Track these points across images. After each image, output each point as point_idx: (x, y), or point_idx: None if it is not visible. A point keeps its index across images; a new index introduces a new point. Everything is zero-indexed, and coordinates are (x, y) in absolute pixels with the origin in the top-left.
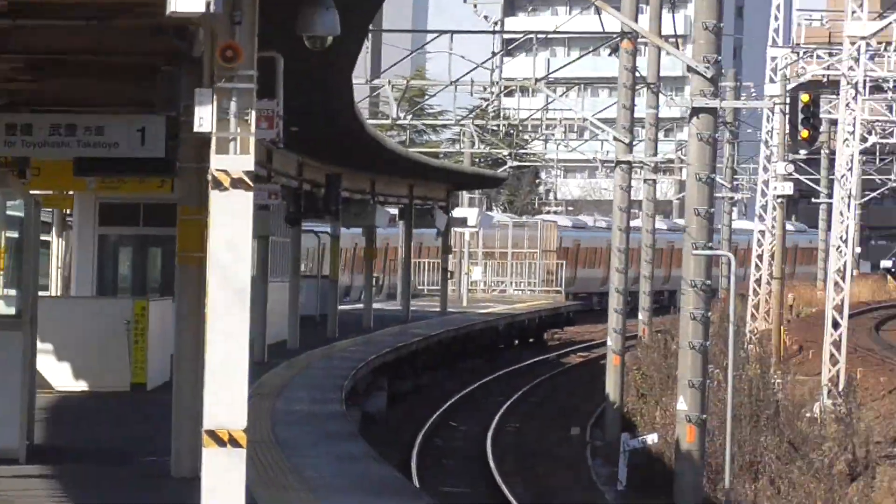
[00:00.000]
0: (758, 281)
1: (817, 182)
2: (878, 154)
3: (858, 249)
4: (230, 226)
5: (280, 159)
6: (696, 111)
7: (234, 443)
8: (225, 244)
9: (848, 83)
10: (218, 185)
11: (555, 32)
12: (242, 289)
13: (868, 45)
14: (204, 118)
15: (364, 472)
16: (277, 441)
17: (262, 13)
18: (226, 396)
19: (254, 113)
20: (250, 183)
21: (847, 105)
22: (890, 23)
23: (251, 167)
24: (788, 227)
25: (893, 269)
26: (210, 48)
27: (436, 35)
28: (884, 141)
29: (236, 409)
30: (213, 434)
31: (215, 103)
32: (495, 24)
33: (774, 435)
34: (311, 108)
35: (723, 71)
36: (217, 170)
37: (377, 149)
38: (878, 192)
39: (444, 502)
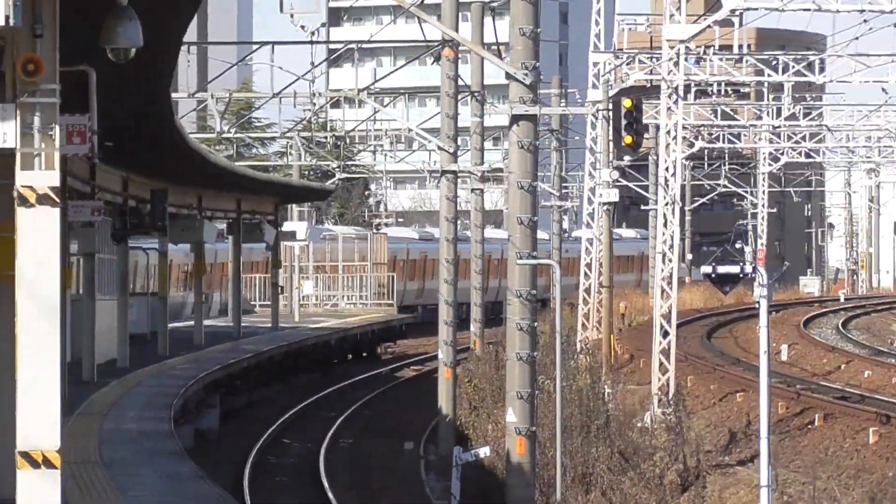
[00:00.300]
0: (587, 290)
1: (647, 188)
2: (706, 159)
3: (690, 256)
4: (37, 242)
5: (104, 175)
6: (515, 118)
7: (48, 464)
8: (33, 261)
9: (668, 87)
10: (24, 201)
11: (373, 42)
12: (52, 306)
13: (688, 48)
14: (7, 134)
15: (190, 490)
16: (103, 461)
17: (65, 26)
18: (38, 416)
19: (58, 128)
20: (56, 199)
21: (668, 109)
22: (708, 26)
23: (57, 182)
24: (630, 233)
25: (713, 276)
26: (11, 62)
27: (258, 46)
28: (710, 146)
29: (49, 429)
30: (26, 455)
31: (18, 118)
32: (312, 34)
33: (605, 446)
34: (131, 123)
35: (543, 77)
36: (22, 186)
37: (202, 163)
38: (707, 197)
39: None
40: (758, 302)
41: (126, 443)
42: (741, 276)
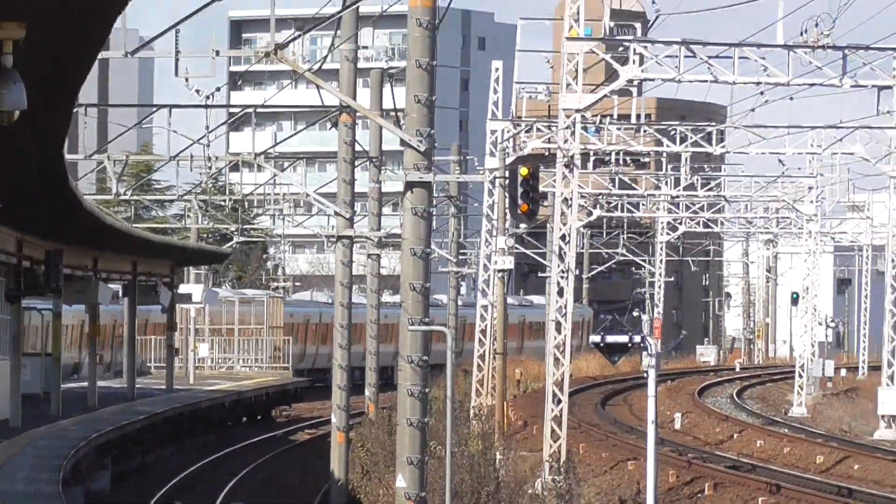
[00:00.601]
0: (482, 356)
1: (545, 255)
2: (604, 227)
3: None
4: None
5: None
6: (410, 185)
7: None
8: None
9: (564, 156)
10: None
11: (270, 107)
12: None
13: (584, 117)
14: None
15: None
16: None
17: None
18: None
19: None
20: None
21: (564, 178)
22: (605, 95)
23: None
24: (542, 300)
25: (602, 344)
26: None
27: (155, 109)
28: (609, 214)
29: None
30: None
31: None
32: (207, 97)
33: None
34: (25, 184)
35: (442, 144)
36: None
37: (97, 225)
38: (605, 265)
39: None
40: (646, 371)
41: None
42: (630, 345)
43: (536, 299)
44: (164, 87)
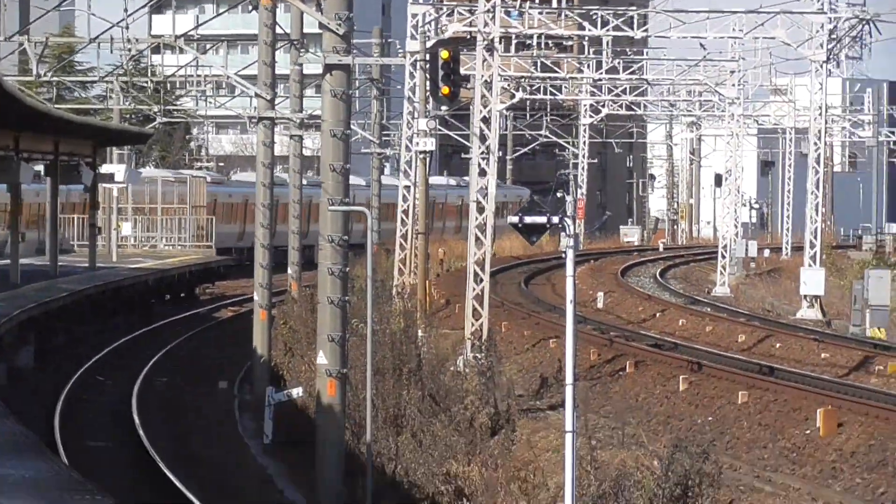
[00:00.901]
0: (404, 236)
1: (468, 138)
2: (528, 110)
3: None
4: None
5: None
6: (329, 68)
7: None
8: None
9: (484, 39)
10: None
11: None
12: None
13: (504, 1)
14: None
15: None
16: None
17: None
18: None
19: None
20: None
21: (484, 61)
22: None
23: None
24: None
25: (520, 225)
26: None
27: None
28: (531, 97)
29: None
30: None
31: None
32: None
33: (417, 389)
34: None
35: (361, 27)
36: None
37: (15, 105)
38: (529, 147)
39: (66, 462)
40: (564, 252)
41: None
42: (548, 225)
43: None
44: None
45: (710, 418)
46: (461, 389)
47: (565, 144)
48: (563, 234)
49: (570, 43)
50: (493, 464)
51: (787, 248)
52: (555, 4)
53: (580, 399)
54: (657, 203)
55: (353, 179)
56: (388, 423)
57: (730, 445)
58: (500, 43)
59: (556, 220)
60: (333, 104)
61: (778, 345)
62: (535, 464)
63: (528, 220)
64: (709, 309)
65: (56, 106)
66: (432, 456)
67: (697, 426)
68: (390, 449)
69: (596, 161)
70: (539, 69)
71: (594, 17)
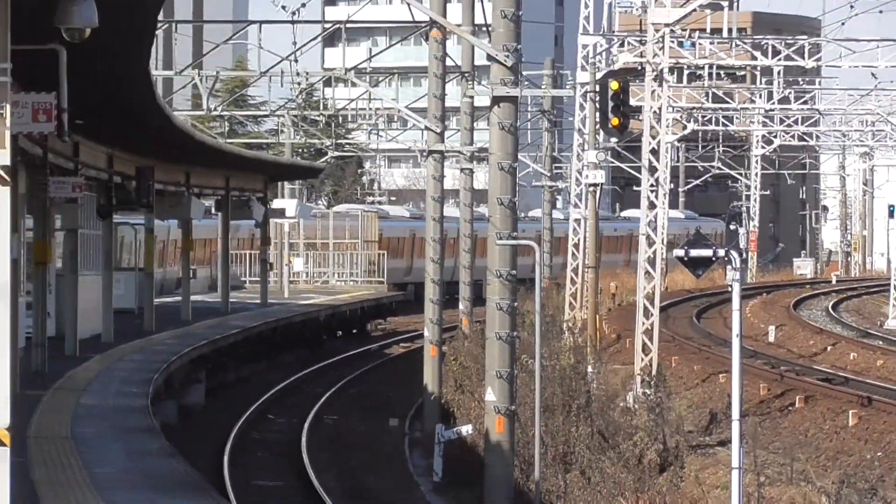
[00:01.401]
0: (575, 270)
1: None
2: (700, 141)
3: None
4: None
5: (88, 152)
6: (496, 100)
7: None
8: None
9: (653, 70)
10: None
11: (360, 22)
12: (2, 285)
13: (672, 31)
14: None
15: (156, 467)
16: (74, 437)
17: (20, 8)
18: None
19: (9, 106)
20: (7, 178)
21: (653, 92)
22: (693, 10)
23: (7, 161)
24: (675, 214)
25: (686, 259)
26: None
27: (245, 25)
28: (703, 128)
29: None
30: None
31: None
32: (293, 13)
33: (586, 425)
34: (111, 101)
35: (536, 59)
36: None
37: (188, 140)
38: (701, 179)
39: (239, 499)
40: (730, 285)
41: (99, 418)
42: (714, 258)
43: (672, 213)
44: (259, 3)
45: (879, 454)
46: (630, 426)
47: (737, 176)
48: (728, 267)
49: (741, 73)
50: (661, 501)
51: None
52: (726, 34)
53: (748, 435)
54: (830, 235)
55: (533, 212)
56: (557, 461)
57: None
58: (672, 73)
59: (721, 252)
60: (501, 136)
61: None
62: (704, 501)
63: (694, 252)
64: (880, 342)
65: (228, 140)
66: (601, 493)
67: (866, 462)
68: (559, 486)
69: (768, 192)
70: (710, 100)
71: (765, 46)
